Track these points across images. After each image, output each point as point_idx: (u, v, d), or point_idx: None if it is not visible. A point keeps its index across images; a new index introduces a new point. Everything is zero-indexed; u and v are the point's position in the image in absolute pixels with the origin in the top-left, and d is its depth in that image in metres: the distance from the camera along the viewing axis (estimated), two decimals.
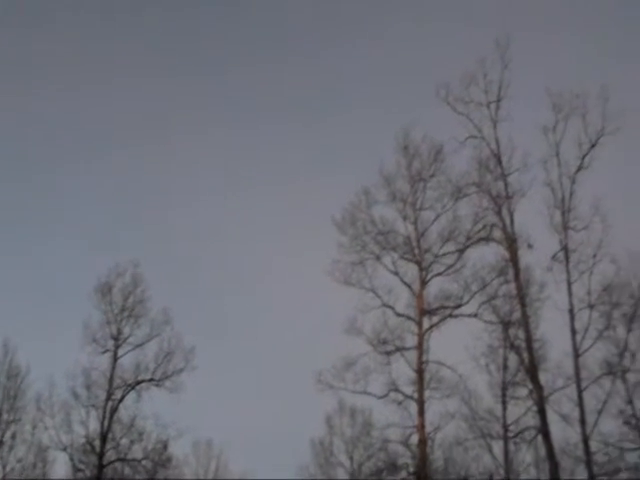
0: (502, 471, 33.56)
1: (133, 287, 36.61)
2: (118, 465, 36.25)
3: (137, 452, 35.83)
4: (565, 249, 28.95)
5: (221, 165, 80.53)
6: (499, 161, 30.06)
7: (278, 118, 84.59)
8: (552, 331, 30.03)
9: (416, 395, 29.54)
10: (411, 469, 31.35)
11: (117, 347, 35.59)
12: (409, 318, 30.62)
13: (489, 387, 33.54)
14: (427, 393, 29.75)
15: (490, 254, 30.42)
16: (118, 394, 35.09)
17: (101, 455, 34.33)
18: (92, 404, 35.23)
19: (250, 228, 73.41)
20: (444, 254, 30.81)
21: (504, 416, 32.74)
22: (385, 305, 30.81)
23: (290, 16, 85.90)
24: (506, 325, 30.21)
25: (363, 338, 30.81)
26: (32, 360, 38.99)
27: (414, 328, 30.36)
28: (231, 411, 52.53)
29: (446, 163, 31.34)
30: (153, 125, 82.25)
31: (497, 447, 33.98)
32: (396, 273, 30.98)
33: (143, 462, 35.66)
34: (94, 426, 34.95)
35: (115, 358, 35.46)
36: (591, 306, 28.56)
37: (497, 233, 29.71)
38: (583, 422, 27.48)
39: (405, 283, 30.88)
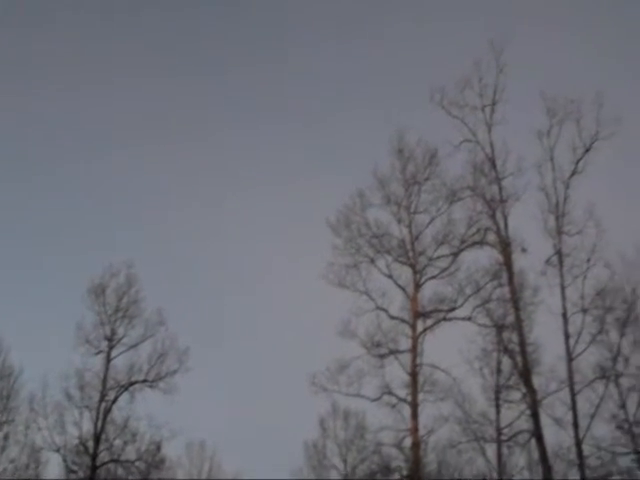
0: (495, 474, 33.62)
1: (127, 288, 36.55)
2: (111, 466, 36.16)
3: (130, 453, 35.74)
4: (559, 253, 29.05)
5: (220, 165, 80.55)
6: (493, 165, 30.19)
7: (278, 118, 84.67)
8: (546, 335, 30.14)
9: (410, 398, 29.56)
10: (404, 472, 31.41)
11: (111, 348, 35.48)
12: (403, 321, 30.68)
13: (483, 390, 33.63)
14: (421, 396, 29.80)
15: (484, 258, 30.61)
16: (111, 395, 34.98)
17: (94, 456, 34.22)
18: (85, 405, 35.11)
19: (249, 228, 73.51)
20: (438, 257, 30.93)
21: (497, 419, 32.78)
22: (379, 308, 30.88)
23: (290, 16, 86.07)
24: (500, 329, 30.26)
25: (357, 341, 30.94)
26: (25, 360, 38.88)
27: (408, 331, 30.41)
28: (224, 413, 52.52)
29: (441, 167, 31.57)
30: (153, 125, 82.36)
31: (490, 450, 34.06)
32: (390, 276, 31.06)
33: (136, 463, 35.56)
34: (87, 427, 34.85)
35: (109, 359, 35.35)
36: (584, 310, 28.65)
37: (491, 237, 29.82)
38: (576, 426, 27.52)
39: (399, 286, 30.98)
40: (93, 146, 76.04)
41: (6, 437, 36.92)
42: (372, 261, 31.21)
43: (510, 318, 29.66)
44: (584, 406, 28.34)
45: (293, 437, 46.57)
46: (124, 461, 35.44)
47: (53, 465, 36.96)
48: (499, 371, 32.82)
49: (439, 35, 73.23)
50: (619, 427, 29.31)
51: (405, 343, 30.45)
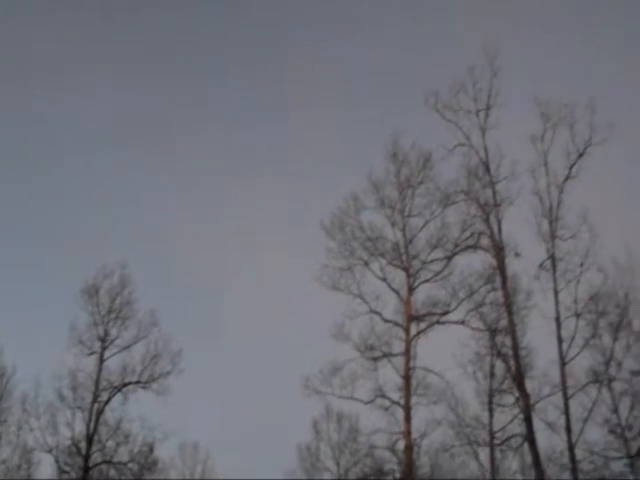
0: (488, 478, 33.60)
1: (120, 289, 36.46)
2: (104, 467, 35.99)
3: (123, 455, 35.64)
4: (552, 258, 29.05)
5: (219, 165, 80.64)
6: (487, 169, 30.19)
7: (278, 118, 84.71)
8: (539, 339, 30.16)
9: (403, 401, 29.58)
10: (397, 475, 31.46)
11: (104, 349, 35.40)
12: (396, 324, 30.71)
13: (476, 394, 33.68)
14: (414, 399, 29.84)
15: (478, 262, 30.66)
16: (104, 396, 34.89)
17: (87, 457, 34.12)
18: (78, 406, 35.01)
19: (248, 228, 73.36)
20: (432, 261, 30.97)
21: (491, 423, 32.79)
22: (373, 311, 30.93)
23: (290, 16, 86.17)
24: (493, 332, 30.31)
25: (350, 343, 30.94)
26: (18, 360, 38.84)
27: (401, 334, 30.44)
28: (218, 414, 52.45)
29: (435, 170, 31.61)
30: (153, 125, 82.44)
31: (483, 454, 34.10)
32: (384, 279, 31.09)
33: (129, 465, 35.46)
34: (80, 428, 34.74)
35: (102, 360, 35.25)
36: (577, 315, 28.66)
37: (485, 241, 29.85)
38: (569, 430, 27.52)
39: (393, 289, 31.01)
40: (92, 146, 76.20)
41: None
42: (366, 264, 31.24)
43: (503, 322, 29.71)
44: (577, 410, 28.44)
45: (286, 439, 46.64)
46: (116, 462, 35.33)
47: (45, 466, 37.01)
48: (492, 375, 32.84)
49: (436, 38, 73.49)
50: (612, 431, 29.39)
51: (398, 346, 30.54)
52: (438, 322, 30.49)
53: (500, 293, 29.41)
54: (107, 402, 34.90)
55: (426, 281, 30.94)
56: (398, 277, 31.01)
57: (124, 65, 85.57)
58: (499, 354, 30.45)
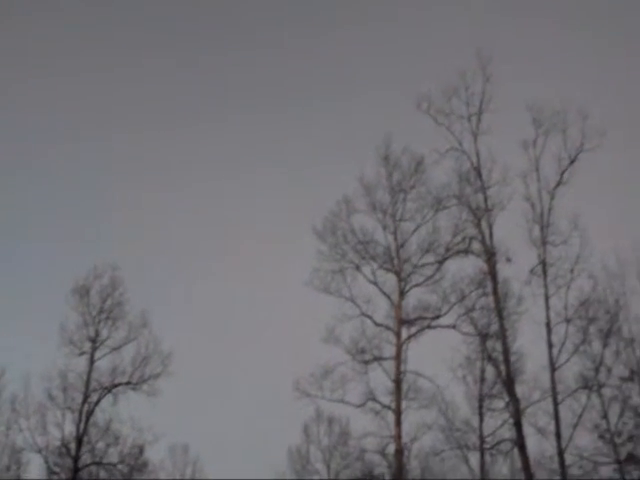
0: None
1: (111, 289, 36.35)
2: (93, 469, 35.86)
3: (113, 456, 35.54)
4: (543, 263, 29.13)
5: (218, 163, 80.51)
6: (479, 174, 30.24)
7: (277, 111, 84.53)
8: (529, 344, 30.22)
9: (393, 405, 29.58)
10: (387, 479, 31.42)
11: (94, 349, 35.28)
12: (387, 328, 30.67)
13: (466, 398, 33.70)
14: (404, 403, 29.86)
15: (469, 266, 30.68)
16: (94, 397, 34.77)
17: (76, 458, 34.02)
18: (68, 406, 34.89)
19: (246, 228, 73.25)
20: (423, 265, 30.95)
21: (481, 428, 32.83)
22: (364, 314, 30.88)
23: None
24: (484, 337, 30.36)
25: (341, 347, 30.89)
26: (7, 360, 38.70)
27: (392, 338, 30.42)
28: (208, 417, 52.32)
29: (427, 175, 31.56)
30: (151, 118, 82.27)
31: (474, 458, 34.12)
32: (375, 283, 31.04)
33: (119, 466, 35.37)
34: (70, 429, 34.64)
35: (92, 360, 35.13)
36: (568, 320, 28.76)
37: (476, 246, 29.89)
38: (559, 435, 27.61)
39: (384, 293, 30.96)
40: (87, 137, 75.87)
41: None
42: (357, 267, 31.20)
43: (494, 327, 29.79)
44: (567, 416, 28.53)
45: (277, 442, 46.50)
46: (106, 464, 35.25)
47: (35, 466, 36.84)
48: (483, 379, 32.88)
49: (431, 42, 73.59)
50: (601, 437, 29.45)
51: (389, 350, 30.49)
52: (429, 326, 30.50)
53: (491, 298, 29.48)
54: (97, 403, 34.81)
55: (417, 285, 30.93)
56: (389, 281, 31.04)
57: (122, 52, 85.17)
58: (490, 359, 30.52)
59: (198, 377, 48.27)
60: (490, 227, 29.71)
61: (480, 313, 30.43)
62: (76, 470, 34.00)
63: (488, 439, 32.40)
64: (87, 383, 34.72)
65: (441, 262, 30.65)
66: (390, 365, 30.19)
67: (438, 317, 30.46)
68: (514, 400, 28.02)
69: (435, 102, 31.07)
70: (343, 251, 31.34)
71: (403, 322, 30.34)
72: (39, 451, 35.00)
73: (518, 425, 27.59)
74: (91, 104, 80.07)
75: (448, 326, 30.42)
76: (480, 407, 32.89)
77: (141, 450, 35.83)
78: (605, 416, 29.44)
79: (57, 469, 35.06)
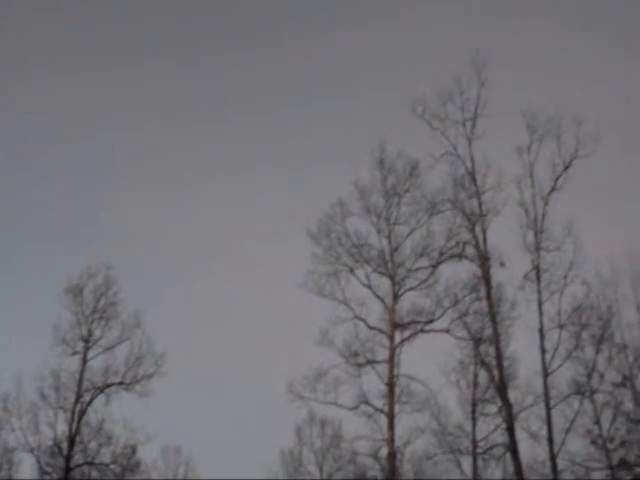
0: None
1: (105, 289, 36.26)
2: (85, 469, 35.79)
3: (105, 456, 35.49)
4: (537, 269, 29.16)
5: (217, 163, 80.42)
6: (473, 179, 30.26)
7: (277, 111, 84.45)
8: (522, 349, 30.26)
9: (386, 408, 29.59)
10: None
11: (87, 349, 35.19)
12: (381, 331, 30.68)
13: (459, 403, 33.64)
14: (397, 407, 29.85)
15: (463, 271, 30.72)
16: (87, 397, 34.70)
17: (68, 458, 33.95)
18: (60, 406, 34.81)
19: (246, 228, 73.12)
20: (417, 269, 30.97)
21: (473, 432, 32.79)
22: (357, 317, 30.89)
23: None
24: (477, 342, 30.37)
25: (335, 350, 30.89)
26: None
27: (386, 342, 30.43)
28: (202, 417, 52.26)
29: (421, 179, 31.58)
30: (150, 119, 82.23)
31: (466, 463, 34.01)
32: (369, 286, 31.04)
33: (111, 466, 35.33)
34: (62, 428, 34.56)
35: (85, 360, 35.05)
36: (561, 326, 28.80)
37: (470, 250, 29.92)
38: (551, 440, 27.65)
39: (378, 296, 30.96)
40: (82, 135, 75.68)
41: None
42: (351, 270, 31.21)
43: (487, 332, 29.80)
44: (559, 421, 28.61)
45: (270, 443, 46.49)
46: (98, 464, 35.20)
47: (26, 466, 36.73)
48: (476, 384, 32.84)
49: (426, 46, 73.62)
50: (593, 442, 29.47)
51: (382, 353, 30.53)
52: (422, 330, 30.52)
53: (485, 303, 29.51)
54: (90, 403, 34.74)
55: (411, 289, 30.94)
56: (383, 284, 31.04)
57: (122, 52, 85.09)
58: (483, 363, 30.50)
59: (192, 377, 48.27)
60: (484, 232, 29.74)
61: (473, 318, 30.47)
62: (68, 470, 33.93)
63: (481, 443, 32.38)
64: (80, 383, 34.64)
65: (435, 266, 30.68)
66: (383, 368, 30.22)
67: (432, 321, 30.49)
68: (507, 405, 28.05)
69: (430, 106, 31.13)
70: (337, 254, 31.36)
71: (397, 326, 30.35)
72: (31, 451, 34.94)
73: (511, 430, 27.63)
74: (91, 104, 79.90)
75: (441, 330, 30.45)
76: (473, 411, 32.86)
77: (133, 450, 35.81)
78: (597, 422, 29.47)
79: (49, 469, 34.99)
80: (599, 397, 29.61)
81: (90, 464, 35.25)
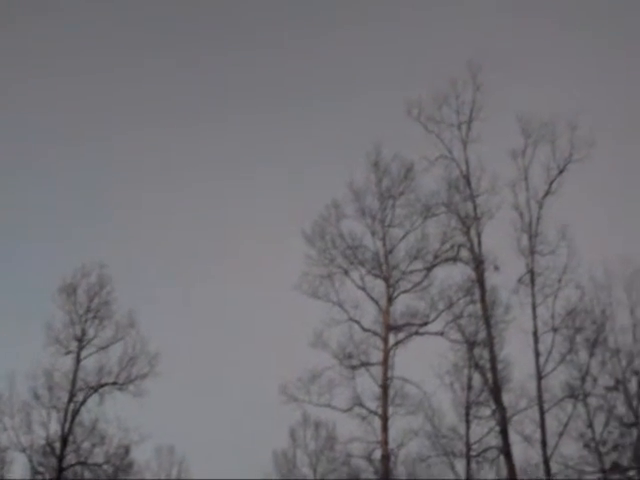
0: None
1: (99, 288, 36.01)
2: (78, 469, 35.64)
3: (98, 456, 35.38)
4: (531, 272, 29.25)
5: (217, 163, 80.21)
6: (468, 182, 30.32)
7: (277, 111, 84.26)
8: (516, 353, 30.28)
9: (380, 411, 29.59)
10: None
11: (80, 349, 35.00)
12: (375, 334, 30.67)
13: (453, 405, 33.58)
14: (391, 409, 29.83)
15: (457, 274, 30.73)
16: (80, 396, 34.52)
17: (61, 458, 33.82)
18: (53, 406, 34.62)
19: (246, 228, 72.90)
20: (411, 271, 30.94)
21: (467, 435, 32.73)
22: (351, 320, 30.85)
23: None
24: (471, 345, 30.38)
25: (329, 351, 30.86)
26: None
27: (380, 344, 30.43)
28: (196, 418, 52.20)
29: (416, 182, 31.57)
30: (150, 119, 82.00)
31: (460, 465, 33.95)
32: (363, 288, 31.00)
33: (104, 466, 35.22)
34: (55, 428, 34.34)
35: (78, 360, 34.85)
36: (555, 330, 28.89)
37: (464, 253, 29.97)
38: (544, 444, 27.72)
39: (372, 299, 30.94)
40: (83, 133, 75.52)
41: None
42: (346, 272, 31.17)
43: (482, 335, 29.83)
44: (552, 424, 28.70)
45: (264, 443, 46.40)
46: (91, 464, 35.08)
47: (18, 466, 36.63)
48: (470, 387, 32.78)
49: (431, 41, 73.59)
50: (586, 446, 29.60)
51: (376, 356, 30.51)
52: (417, 333, 30.52)
53: (479, 306, 29.57)
54: (83, 402, 34.58)
55: (405, 291, 30.94)
56: (377, 287, 31.02)
57: (122, 52, 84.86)
58: (477, 366, 30.53)
59: (186, 378, 48.12)
60: (479, 235, 29.80)
61: (468, 321, 30.50)
62: (61, 470, 33.80)
63: (474, 446, 32.34)
64: (73, 382, 34.48)
65: (429, 269, 30.68)
66: (377, 371, 30.20)
67: (426, 324, 30.49)
68: (501, 408, 28.12)
69: (426, 109, 31.17)
70: (332, 256, 31.32)
71: (391, 328, 30.32)
72: (23, 450, 34.78)
73: (504, 433, 27.70)
74: (91, 104, 79.58)
75: (436, 333, 30.47)
76: (467, 414, 32.82)
77: (127, 450, 35.74)
78: (590, 425, 29.59)
79: (41, 469, 34.86)
80: (592, 401, 29.79)
81: (83, 464, 35.12)
